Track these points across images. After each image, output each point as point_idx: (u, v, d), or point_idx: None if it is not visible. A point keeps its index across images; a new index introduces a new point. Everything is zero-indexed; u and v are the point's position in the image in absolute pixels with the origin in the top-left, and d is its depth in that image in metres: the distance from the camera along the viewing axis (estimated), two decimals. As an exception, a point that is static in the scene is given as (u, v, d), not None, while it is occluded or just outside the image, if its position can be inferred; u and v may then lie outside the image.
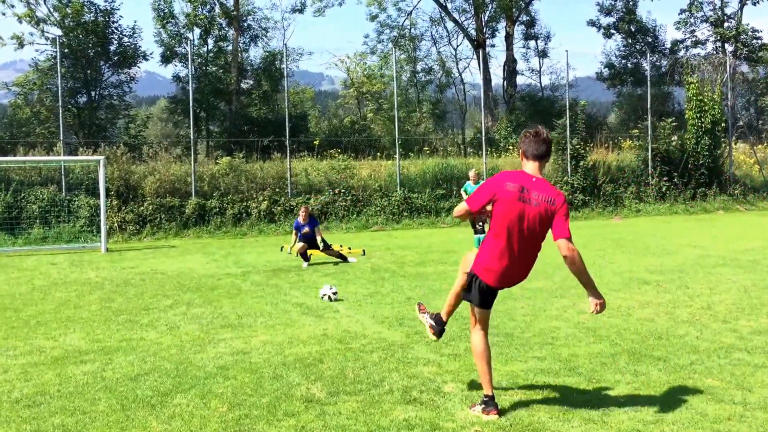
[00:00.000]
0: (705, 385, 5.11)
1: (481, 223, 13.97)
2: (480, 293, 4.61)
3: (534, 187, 4.43)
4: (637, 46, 39.14)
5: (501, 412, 4.54)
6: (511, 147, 27.75)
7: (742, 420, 4.43)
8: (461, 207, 4.62)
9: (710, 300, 8.32)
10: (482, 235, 13.88)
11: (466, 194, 14.54)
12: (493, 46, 39.54)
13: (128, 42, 29.87)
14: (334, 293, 8.87)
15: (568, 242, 4.35)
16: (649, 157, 24.82)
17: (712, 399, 4.81)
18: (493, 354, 6.03)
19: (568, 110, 24.55)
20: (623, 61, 39.58)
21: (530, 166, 4.54)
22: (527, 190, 4.41)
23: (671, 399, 4.83)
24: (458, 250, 14.32)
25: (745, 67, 37.16)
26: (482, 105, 26.42)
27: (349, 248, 14.27)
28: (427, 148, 27.48)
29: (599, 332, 6.78)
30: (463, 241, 16.33)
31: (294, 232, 13.06)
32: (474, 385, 5.15)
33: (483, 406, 4.55)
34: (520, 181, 4.45)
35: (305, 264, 12.26)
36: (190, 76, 23.96)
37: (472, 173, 15.13)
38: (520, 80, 40.02)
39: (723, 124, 25.48)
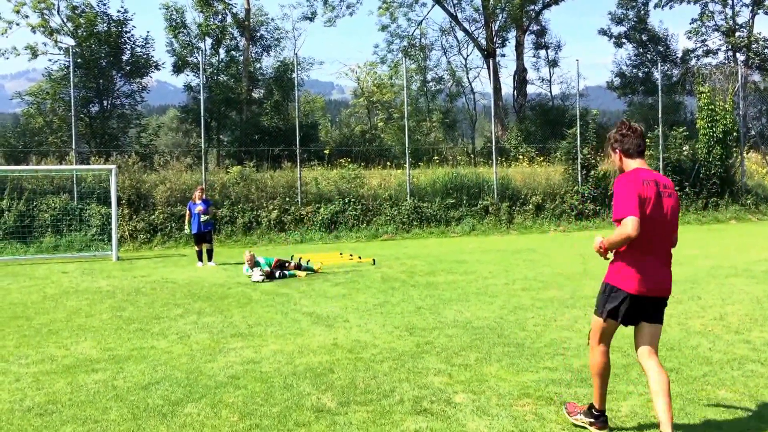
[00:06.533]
0: (718, 397, 5.06)
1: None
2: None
3: (662, 179, 4.28)
4: (649, 56, 39.11)
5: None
6: (521, 156, 27.73)
7: (757, 433, 4.39)
8: (621, 230, 4.13)
9: (723, 311, 8.25)
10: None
11: (189, 212, 14.43)
12: (503, 55, 39.73)
13: (141, 52, 30.17)
14: (261, 275, 11.23)
15: None
16: (661, 166, 24.70)
17: (725, 411, 4.76)
18: (503, 364, 6.03)
19: (578, 119, 24.50)
20: (634, 71, 39.54)
21: (638, 162, 4.37)
22: (660, 183, 4.22)
23: (684, 411, 4.78)
24: (468, 259, 14.28)
25: (756, 77, 37.03)
26: (492, 114, 26.42)
27: (360, 257, 14.27)
28: (437, 158, 27.49)
29: (611, 343, 6.72)
30: (474, 250, 16.29)
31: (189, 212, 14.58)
32: (482, 394, 5.13)
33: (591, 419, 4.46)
34: (650, 176, 4.23)
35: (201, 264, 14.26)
36: (201, 85, 24.11)
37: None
38: (531, 89, 40.11)
39: (735, 134, 25.36)
